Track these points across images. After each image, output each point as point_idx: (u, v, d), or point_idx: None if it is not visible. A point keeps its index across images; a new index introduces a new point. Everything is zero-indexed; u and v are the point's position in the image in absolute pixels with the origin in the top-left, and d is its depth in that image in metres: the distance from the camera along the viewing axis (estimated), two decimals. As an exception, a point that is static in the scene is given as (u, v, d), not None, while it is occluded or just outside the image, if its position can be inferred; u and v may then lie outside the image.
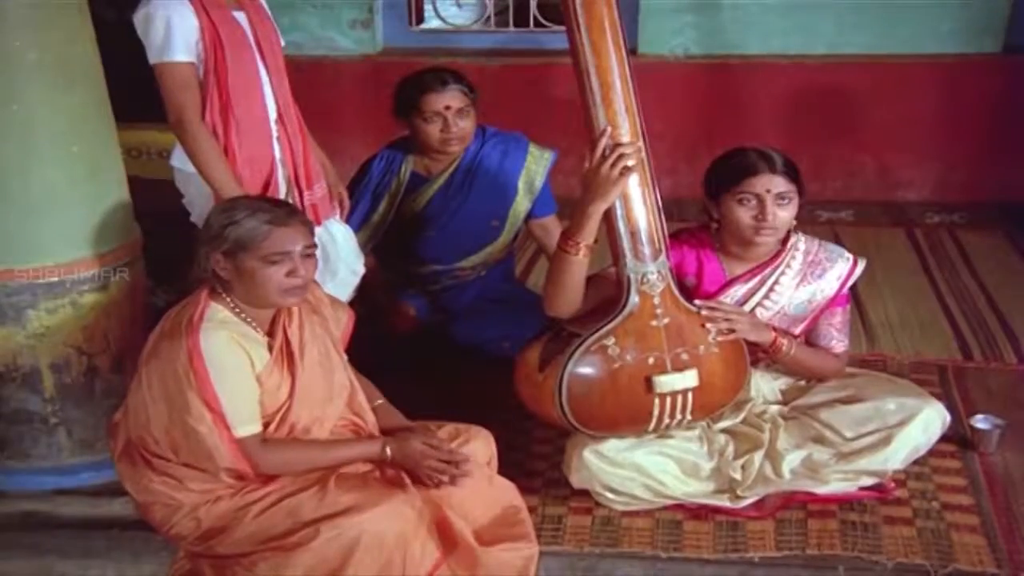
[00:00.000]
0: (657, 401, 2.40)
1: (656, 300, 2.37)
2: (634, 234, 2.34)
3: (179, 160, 2.75)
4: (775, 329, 2.50)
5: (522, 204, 3.26)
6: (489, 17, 5.27)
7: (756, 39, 4.89)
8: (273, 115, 2.75)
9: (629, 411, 2.42)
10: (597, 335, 2.36)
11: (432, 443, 2.18)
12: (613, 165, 2.24)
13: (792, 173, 2.42)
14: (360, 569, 1.97)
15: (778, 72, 4.88)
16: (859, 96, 4.85)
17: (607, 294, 2.43)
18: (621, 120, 2.31)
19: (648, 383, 2.38)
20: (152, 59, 2.58)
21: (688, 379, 2.40)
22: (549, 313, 2.46)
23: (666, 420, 2.44)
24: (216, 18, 2.60)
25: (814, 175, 4.60)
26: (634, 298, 2.36)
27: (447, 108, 3.06)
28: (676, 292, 2.40)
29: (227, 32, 2.61)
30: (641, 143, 2.31)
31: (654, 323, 2.37)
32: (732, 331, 2.42)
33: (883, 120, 4.88)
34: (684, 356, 2.39)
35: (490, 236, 3.27)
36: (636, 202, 2.33)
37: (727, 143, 4.95)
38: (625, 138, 2.29)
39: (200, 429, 2.01)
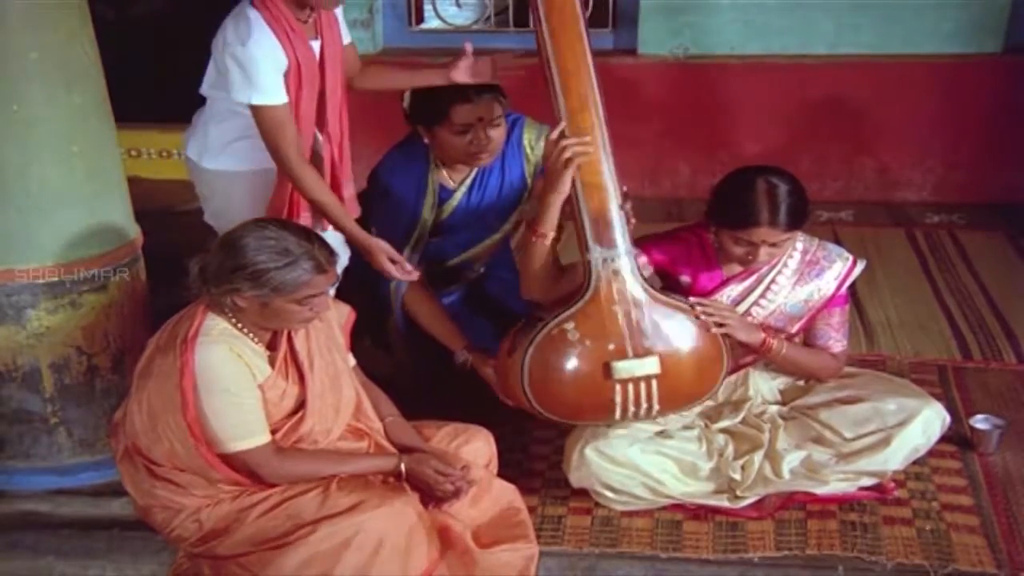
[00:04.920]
0: (618, 388, 2.40)
1: (616, 286, 2.39)
2: (596, 220, 2.38)
3: (195, 152, 2.73)
4: (766, 330, 2.50)
5: (533, 190, 3.08)
6: (489, 17, 5.27)
7: (756, 39, 4.88)
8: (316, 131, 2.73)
9: (590, 397, 2.42)
10: (558, 320, 2.39)
11: (444, 471, 2.18)
12: (558, 156, 2.31)
13: (796, 219, 2.37)
14: (352, 568, 1.96)
15: (778, 72, 4.87)
16: (859, 96, 4.85)
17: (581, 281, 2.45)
18: (580, 108, 2.34)
19: (607, 369, 2.39)
20: (253, 100, 2.51)
21: (647, 366, 2.39)
22: (525, 296, 2.52)
23: (631, 408, 2.43)
24: (301, 56, 2.56)
25: (814, 175, 4.61)
26: (595, 283, 2.39)
27: (480, 120, 2.79)
28: (640, 279, 2.41)
29: (306, 68, 2.59)
30: (600, 132, 2.33)
31: (615, 308, 2.39)
32: (722, 327, 2.42)
33: (883, 120, 4.88)
34: (646, 343, 2.40)
35: (492, 232, 3.14)
36: (598, 189, 2.37)
37: (727, 143, 5.01)
38: (586, 125, 2.33)
39: (181, 451, 2.02)
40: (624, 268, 2.39)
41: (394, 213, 2.96)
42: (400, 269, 2.69)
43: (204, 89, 2.76)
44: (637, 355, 2.39)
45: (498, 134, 2.86)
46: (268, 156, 2.70)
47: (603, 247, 2.39)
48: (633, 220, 2.46)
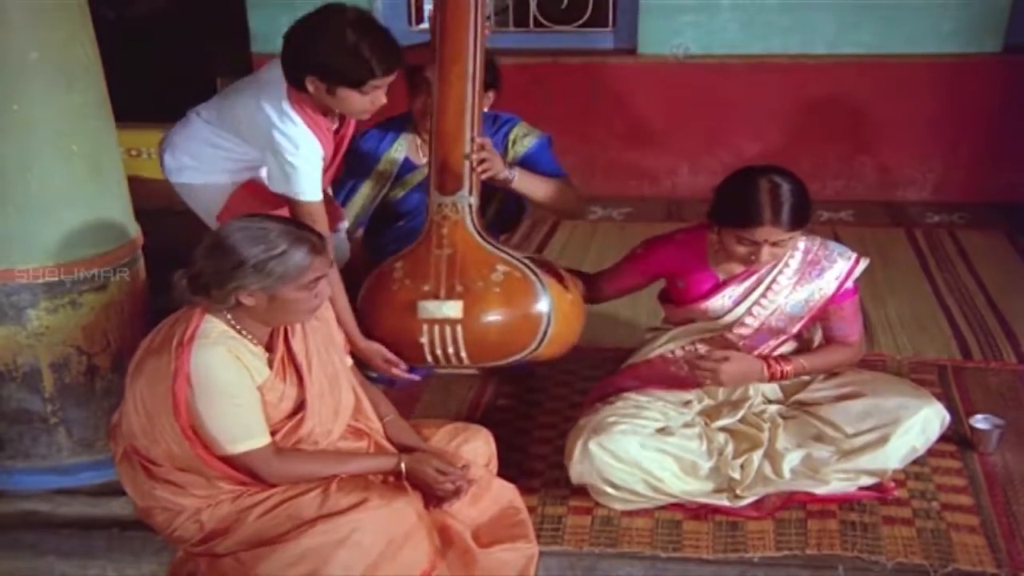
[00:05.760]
0: (424, 328, 2.51)
1: (444, 231, 2.52)
2: (440, 167, 2.54)
3: (173, 167, 2.77)
4: (767, 358, 2.53)
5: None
6: (489, 17, 5.27)
7: (756, 39, 4.89)
8: None
9: (403, 335, 2.56)
10: (392, 259, 2.58)
11: (445, 470, 2.19)
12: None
13: (799, 218, 2.37)
14: (344, 566, 1.96)
15: (778, 72, 4.88)
16: (859, 96, 4.85)
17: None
18: (452, 59, 2.51)
19: (415, 307, 2.52)
20: (298, 196, 2.59)
21: (448, 308, 2.49)
22: None
23: (438, 352, 2.54)
24: (328, 148, 2.65)
25: (814, 175, 4.61)
26: (427, 227, 2.56)
27: (427, 82, 2.83)
28: (471, 228, 2.53)
29: (329, 154, 2.69)
30: (468, 85, 2.50)
31: (437, 252, 2.51)
32: (718, 377, 2.48)
33: (883, 120, 4.88)
34: (459, 288, 2.50)
35: None
36: (448, 137, 2.52)
37: (727, 143, 5.02)
38: (454, 76, 2.52)
39: (178, 452, 2.02)
40: (456, 215, 2.53)
41: (354, 163, 3.08)
42: (398, 368, 2.71)
43: (204, 120, 2.81)
44: (446, 297, 2.51)
45: None
46: (244, 168, 2.80)
47: (441, 193, 2.54)
48: (482, 168, 2.58)
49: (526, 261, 2.57)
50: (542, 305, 2.51)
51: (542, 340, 2.53)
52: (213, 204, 2.83)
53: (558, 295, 2.54)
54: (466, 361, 2.56)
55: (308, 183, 2.58)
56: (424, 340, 2.51)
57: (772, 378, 2.54)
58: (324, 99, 2.51)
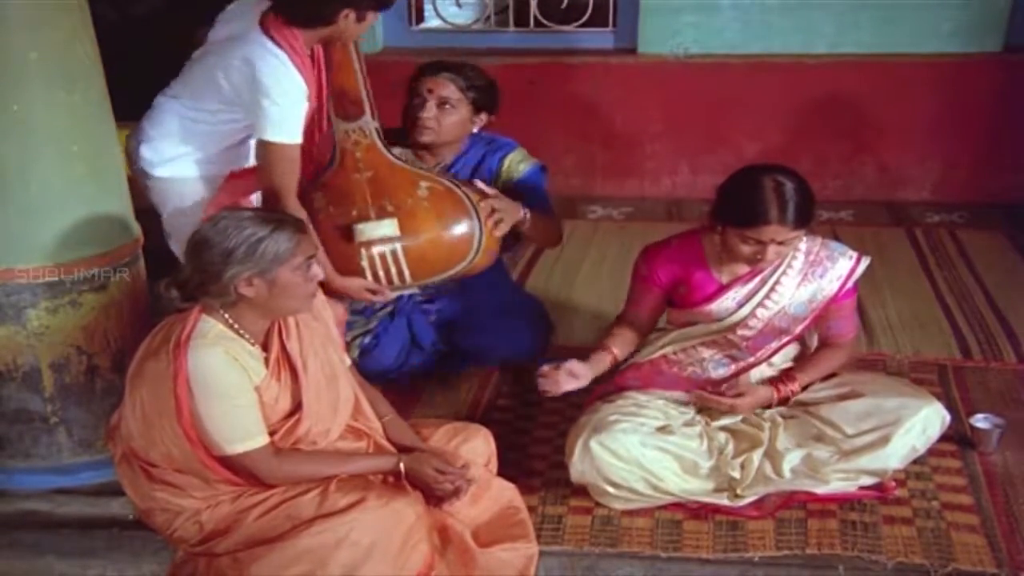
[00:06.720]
0: (363, 251, 2.61)
1: (358, 155, 2.63)
2: (339, 95, 2.62)
3: (147, 160, 2.74)
4: (775, 384, 2.56)
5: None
6: (489, 17, 5.27)
7: (756, 39, 4.89)
8: None
9: (339, 261, 2.62)
10: (306, 191, 2.64)
11: (444, 469, 2.19)
12: None
13: (804, 216, 2.38)
14: (341, 566, 1.96)
15: (778, 71, 4.87)
16: (859, 95, 4.85)
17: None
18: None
19: (349, 232, 2.60)
20: (279, 137, 2.57)
21: (385, 227, 2.58)
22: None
23: (379, 273, 2.63)
24: (311, 86, 2.63)
25: (814, 174, 4.58)
26: (339, 155, 2.64)
27: (429, 91, 2.92)
28: (383, 149, 2.64)
29: (314, 96, 2.68)
30: None
31: (357, 176, 2.61)
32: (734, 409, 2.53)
33: (883, 120, 4.87)
34: (389, 208, 2.59)
35: None
36: (343, 69, 2.62)
37: (727, 143, 5.02)
38: None
39: (177, 454, 2.02)
40: (366, 139, 2.63)
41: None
42: (381, 294, 2.78)
43: (171, 96, 2.76)
44: (378, 218, 2.59)
45: (446, 117, 2.94)
46: (229, 143, 2.76)
47: (345, 121, 2.63)
48: (495, 221, 2.69)
49: (444, 175, 2.73)
50: (471, 213, 2.65)
51: (479, 247, 2.66)
52: (197, 197, 2.79)
53: (479, 203, 2.69)
54: (408, 280, 2.65)
55: (291, 122, 2.57)
56: (365, 264, 2.61)
57: (782, 402, 2.57)
58: (350, 28, 2.58)
